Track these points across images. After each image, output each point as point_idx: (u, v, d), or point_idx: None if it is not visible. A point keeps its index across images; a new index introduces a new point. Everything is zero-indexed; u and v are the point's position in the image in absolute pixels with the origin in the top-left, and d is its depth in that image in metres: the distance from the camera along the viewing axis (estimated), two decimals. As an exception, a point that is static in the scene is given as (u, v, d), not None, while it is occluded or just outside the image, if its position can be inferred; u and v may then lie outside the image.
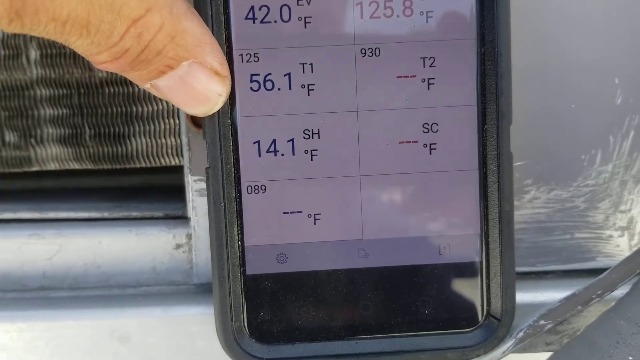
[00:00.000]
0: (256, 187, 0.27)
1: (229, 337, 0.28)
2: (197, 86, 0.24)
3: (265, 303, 0.28)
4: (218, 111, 0.26)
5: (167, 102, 0.32)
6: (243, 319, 0.28)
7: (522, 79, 0.30)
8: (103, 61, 0.22)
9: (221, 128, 0.27)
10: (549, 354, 0.29)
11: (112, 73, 0.32)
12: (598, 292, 0.28)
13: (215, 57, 0.24)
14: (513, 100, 0.28)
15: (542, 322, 0.28)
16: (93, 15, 0.20)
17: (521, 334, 0.29)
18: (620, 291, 0.28)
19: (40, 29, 0.20)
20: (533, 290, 0.32)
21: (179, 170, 0.33)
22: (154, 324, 0.30)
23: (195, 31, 0.23)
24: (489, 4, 0.26)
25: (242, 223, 0.27)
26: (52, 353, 0.30)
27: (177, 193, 0.34)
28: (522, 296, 0.31)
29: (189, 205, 0.31)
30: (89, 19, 0.20)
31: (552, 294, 0.31)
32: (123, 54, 0.22)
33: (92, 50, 0.21)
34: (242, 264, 0.28)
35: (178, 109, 0.32)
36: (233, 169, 0.27)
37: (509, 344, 0.29)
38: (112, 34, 0.21)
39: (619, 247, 0.33)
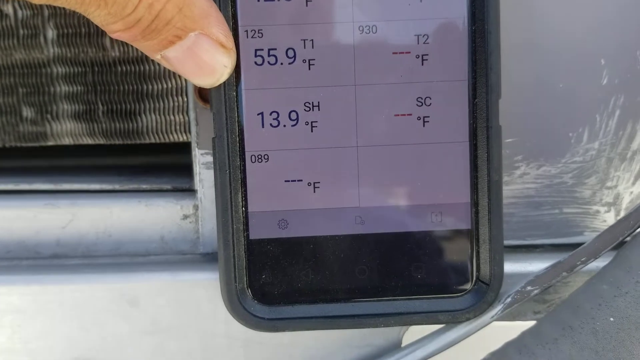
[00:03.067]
0: (259, 157, 0.29)
1: (232, 298, 0.29)
2: (204, 57, 0.25)
3: (267, 266, 0.29)
4: (224, 83, 0.27)
5: (175, 81, 0.33)
6: (246, 281, 0.29)
7: (512, 61, 0.31)
8: (117, 30, 0.24)
9: (227, 100, 0.28)
10: (536, 321, 0.30)
11: (124, 52, 0.33)
12: (582, 259, 0.29)
13: (220, 29, 0.25)
14: (505, 79, 0.29)
15: (529, 287, 0.30)
16: None
17: (509, 299, 0.30)
18: (604, 261, 0.30)
19: (62, 0, 0.22)
20: (522, 261, 0.33)
21: (186, 149, 0.34)
22: (161, 288, 0.32)
23: (201, 3, 0.24)
24: None
25: (246, 190, 0.29)
26: (64, 314, 0.32)
27: (184, 171, 0.36)
28: (512, 266, 0.32)
29: (196, 178, 0.33)
30: None
31: (540, 265, 0.32)
32: (136, 24, 0.23)
33: (109, 20, 0.23)
34: (246, 229, 0.29)
35: (186, 87, 0.33)
36: (238, 139, 0.29)
37: (497, 308, 0.30)
38: (127, 5, 0.23)
39: (606, 222, 0.34)
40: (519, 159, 0.33)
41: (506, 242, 0.34)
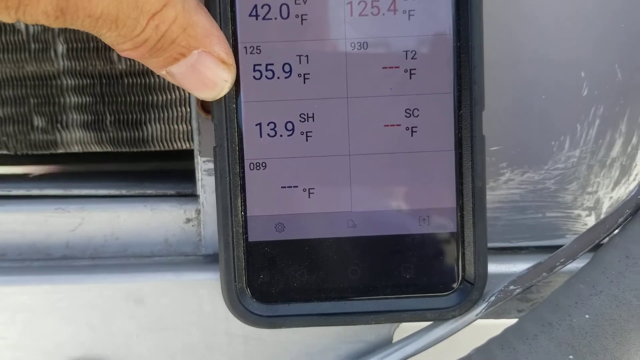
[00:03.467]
0: (257, 164, 0.31)
1: (232, 297, 0.31)
2: (206, 72, 0.27)
3: (265, 267, 0.31)
4: (225, 96, 0.29)
5: (179, 92, 0.35)
6: (245, 280, 0.31)
7: (497, 73, 0.32)
8: (126, 49, 0.26)
9: (227, 111, 0.30)
10: (519, 319, 0.32)
11: (130, 66, 0.35)
12: (561, 260, 0.31)
13: (221, 47, 0.27)
14: (490, 91, 0.31)
15: (511, 287, 0.32)
16: (121, 12, 0.24)
17: (493, 298, 0.32)
18: (582, 262, 0.32)
19: (78, 23, 0.24)
20: (508, 262, 0.35)
21: (188, 156, 0.36)
22: (166, 287, 0.33)
23: (204, 24, 0.26)
24: (464, 4, 0.29)
25: (245, 196, 0.31)
26: (73, 313, 0.34)
27: (187, 176, 0.38)
28: (498, 267, 0.34)
29: (199, 183, 0.34)
30: (118, 15, 0.24)
31: (524, 266, 0.34)
32: (143, 43, 0.25)
33: (119, 40, 0.25)
34: (245, 232, 0.31)
35: (189, 98, 0.35)
36: (237, 148, 0.30)
37: (482, 306, 0.32)
38: (136, 27, 0.25)
39: (587, 225, 0.35)
40: (504, 166, 0.34)
41: (492, 244, 0.35)
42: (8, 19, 0.23)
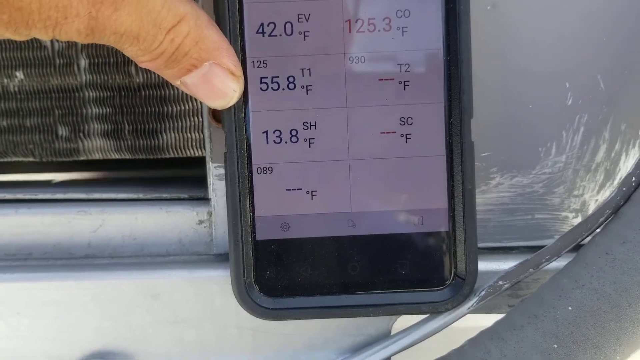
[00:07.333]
0: (264, 169, 0.33)
1: (242, 291, 0.33)
2: (216, 83, 0.30)
3: (272, 263, 0.33)
4: (234, 106, 0.31)
5: (192, 103, 0.38)
6: (253, 276, 0.33)
7: (487, 83, 0.34)
8: (145, 61, 0.28)
9: (237, 120, 0.32)
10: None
11: (147, 79, 0.38)
12: (546, 258, 0.33)
13: (230, 60, 0.30)
14: (480, 100, 0.33)
15: (500, 282, 0.34)
16: (142, 29, 0.26)
17: (483, 292, 0.34)
18: (566, 259, 0.34)
19: (105, 39, 0.26)
20: (498, 261, 0.37)
21: (201, 163, 0.39)
22: (180, 284, 0.36)
23: (214, 38, 0.29)
24: (453, 21, 0.31)
25: (253, 198, 0.33)
26: (96, 306, 0.36)
27: (199, 181, 0.40)
28: (490, 265, 0.36)
29: (210, 188, 0.36)
30: (139, 32, 0.26)
31: (514, 264, 0.36)
32: (160, 55, 0.28)
33: (138, 53, 0.28)
34: (253, 231, 0.33)
35: (201, 108, 0.37)
36: (246, 154, 0.32)
37: (473, 300, 0.33)
38: (154, 41, 0.27)
39: (573, 226, 0.37)
40: (494, 171, 0.36)
41: (484, 244, 0.37)
42: (45, 36, 0.25)
